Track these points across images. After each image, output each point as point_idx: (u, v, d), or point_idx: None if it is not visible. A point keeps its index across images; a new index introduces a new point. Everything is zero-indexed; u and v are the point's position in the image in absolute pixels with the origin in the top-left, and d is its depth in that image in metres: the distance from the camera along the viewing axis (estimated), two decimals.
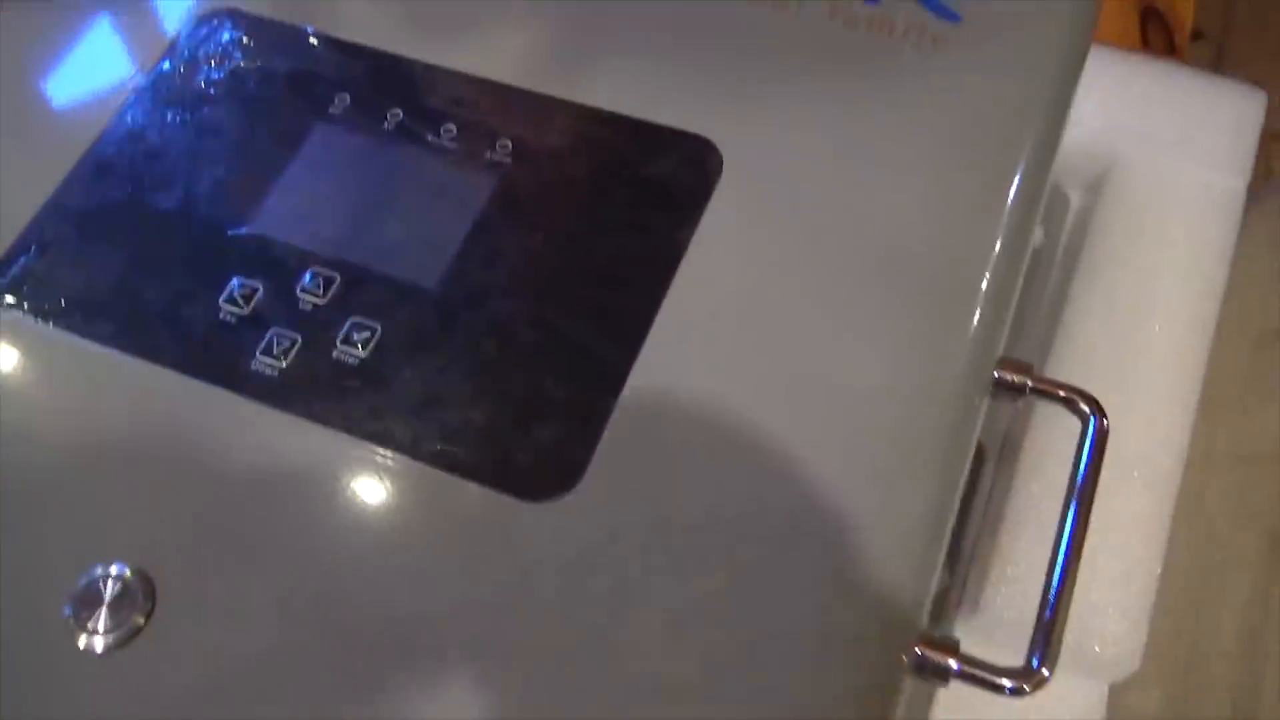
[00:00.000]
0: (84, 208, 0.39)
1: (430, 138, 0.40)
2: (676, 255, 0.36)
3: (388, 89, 0.41)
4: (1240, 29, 0.92)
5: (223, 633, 0.31)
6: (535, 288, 0.36)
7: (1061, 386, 0.37)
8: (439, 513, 0.33)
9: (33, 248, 0.39)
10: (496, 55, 0.41)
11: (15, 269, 0.38)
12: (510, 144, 0.39)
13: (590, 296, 0.36)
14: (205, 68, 0.42)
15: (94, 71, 0.43)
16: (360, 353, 0.35)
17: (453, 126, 0.40)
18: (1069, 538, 0.35)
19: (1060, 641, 0.33)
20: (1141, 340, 0.51)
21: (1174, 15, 0.79)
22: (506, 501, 0.33)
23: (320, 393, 0.35)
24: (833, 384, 0.34)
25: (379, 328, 0.36)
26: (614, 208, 0.38)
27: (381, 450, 0.34)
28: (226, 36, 0.43)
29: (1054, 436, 0.49)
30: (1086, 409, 0.37)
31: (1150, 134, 0.57)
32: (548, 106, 0.40)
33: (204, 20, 0.44)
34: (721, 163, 0.38)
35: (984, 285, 0.36)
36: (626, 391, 0.34)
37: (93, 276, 0.38)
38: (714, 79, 0.40)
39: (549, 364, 0.35)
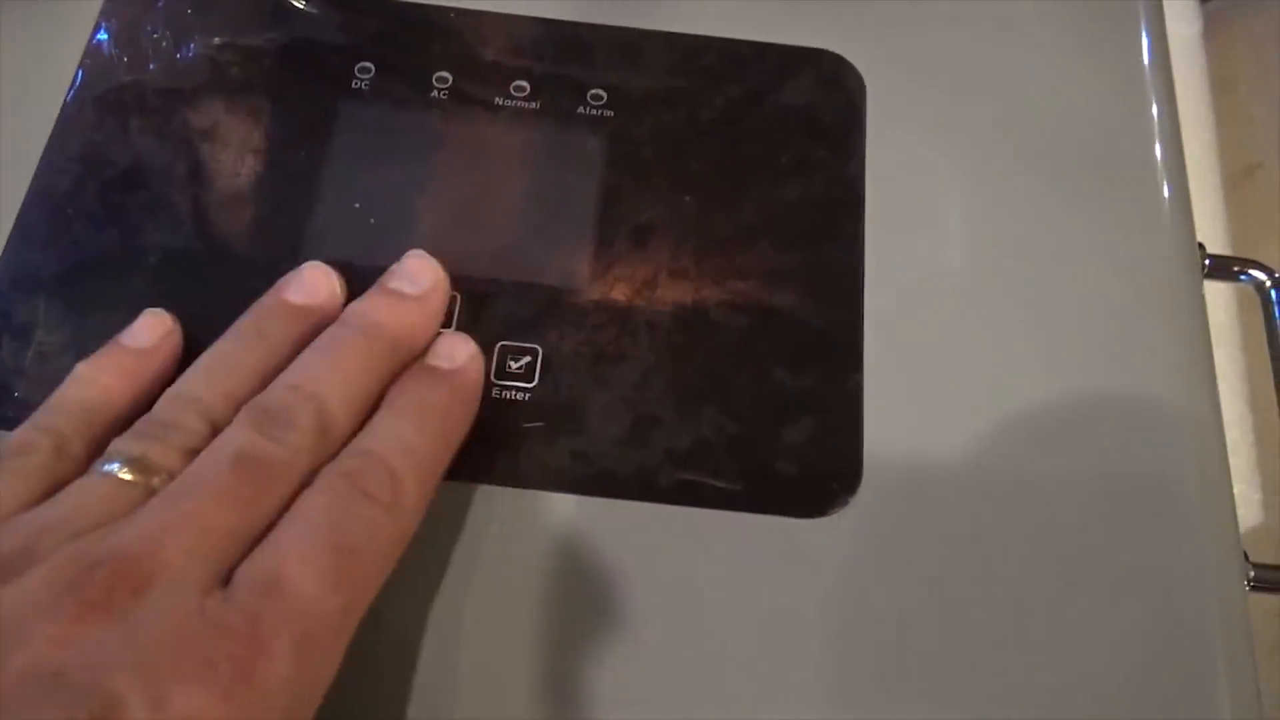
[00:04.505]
0: (53, 277, 0.28)
1: (499, 100, 0.32)
2: (858, 192, 0.31)
3: (420, 48, 0.32)
4: None
5: None
6: (712, 262, 0.30)
7: (1234, 260, 0.36)
8: (699, 557, 0.26)
9: (3, 340, 0.27)
10: None
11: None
12: (604, 93, 0.32)
13: (781, 257, 0.30)
14: (153, 60, 0.32)
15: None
16: (528, 384, 0.28)
17: (524, 83, 0.32)
18: None
19: None
20: None
21: None
22: (781, 524, 0.27)
23: (497, 445, 0.27)
24: (1065, 290, 0.30)
25: (539, 349, 0.28)
26: (761, 149, 0.31)
27: (607, 500, 0.27)
28: (168, 10, 0.32)
29: None
30: (1263, 277, 0.35)
31: None
32: (634, 41, 0.33)
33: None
34: (862, 80, 0.33)
35: (1160, 155, 0.33)
36: (869, 361, 0.29)
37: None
38: None
39: (769, 348, 0.29)
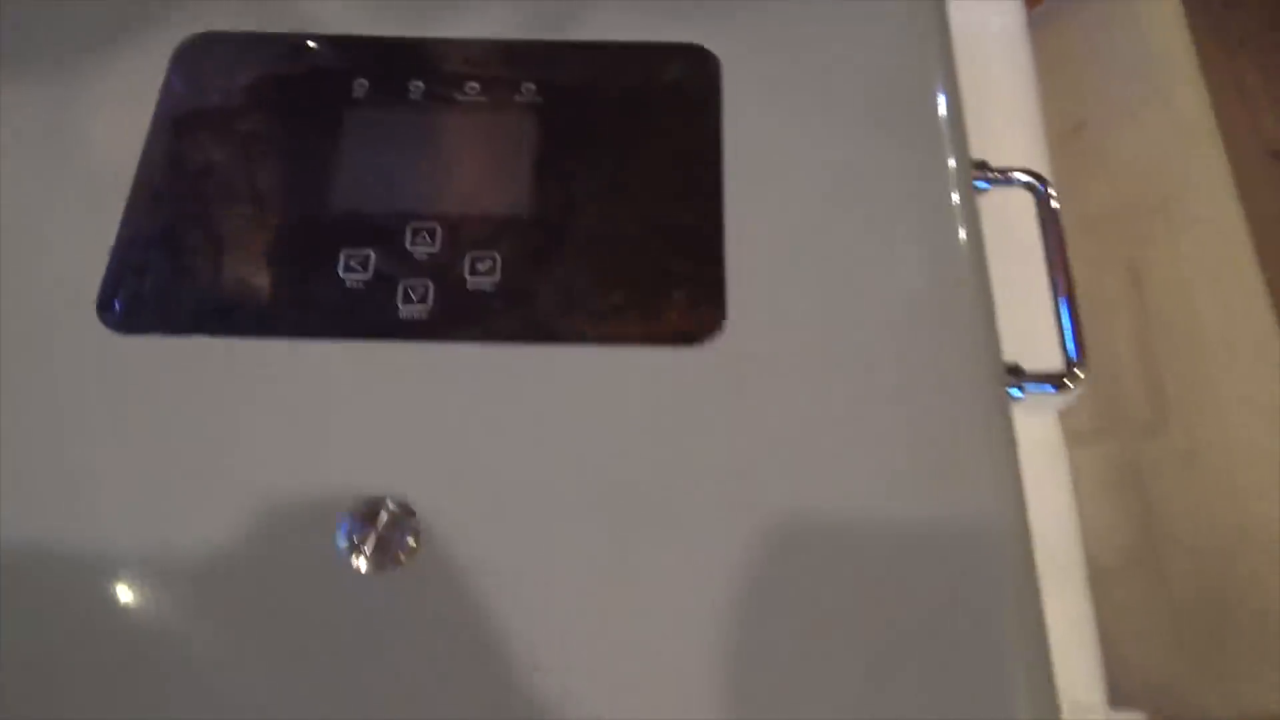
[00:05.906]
0: (161, 232, 0.41)
1: (458, 97, 0.45)
2: (717, 140, 0.43)
3: (400, 67, 0.45)
4: None
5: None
6: (617, 191, 0.42)
7: (1013, 170, 0.48)
8: (622, 379, 0.38)
9: (128, 275, 0.40)
10: (482, 17, 0.47)
11: (128, 297, 0.39)
12: (534, 86, 0.45)
13: (665, 185, 0.42)
14: (213, 90, 0.45)
15: (98, 125, 0.44)
16: (493, 278, 0.40)
17: (475, 84, 0.45)
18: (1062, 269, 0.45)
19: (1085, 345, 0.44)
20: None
21: None
22: (670, 352, 0.39)
23: (477, 317, 0.39)
24: (869, 203, 0.43)
25: (498, 256, 0.41)
26: (647, 116, 0.44)
27: (557, 345, 0.39)
28: (220, 57, 0.46)
29: None
30: (1036, 181, 0.48)
31: None
32: (553, 49, 0.46)
33: (186, 50, 0.46)
34: (718, 62, 0.46)
35: (941, 95, 0.45)
36: (728, 244, 0.41)
37: (208, 284, 0.40)
38: None
39: (659, 244, 0.41)
